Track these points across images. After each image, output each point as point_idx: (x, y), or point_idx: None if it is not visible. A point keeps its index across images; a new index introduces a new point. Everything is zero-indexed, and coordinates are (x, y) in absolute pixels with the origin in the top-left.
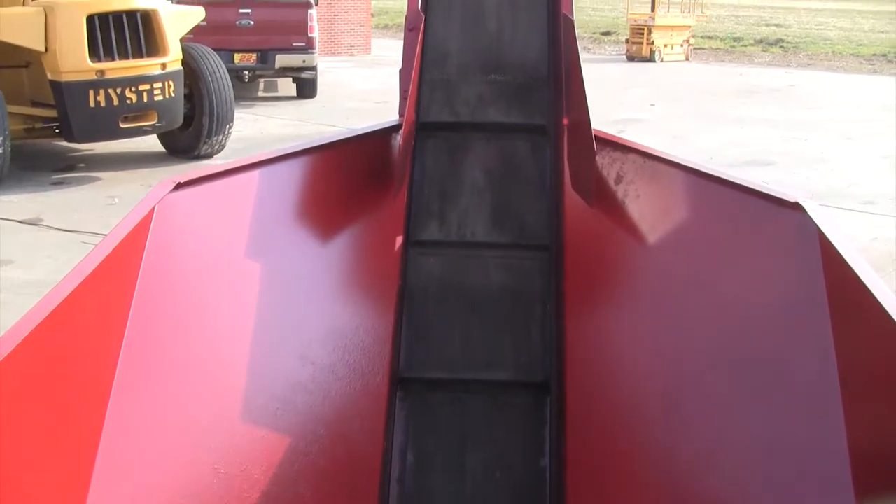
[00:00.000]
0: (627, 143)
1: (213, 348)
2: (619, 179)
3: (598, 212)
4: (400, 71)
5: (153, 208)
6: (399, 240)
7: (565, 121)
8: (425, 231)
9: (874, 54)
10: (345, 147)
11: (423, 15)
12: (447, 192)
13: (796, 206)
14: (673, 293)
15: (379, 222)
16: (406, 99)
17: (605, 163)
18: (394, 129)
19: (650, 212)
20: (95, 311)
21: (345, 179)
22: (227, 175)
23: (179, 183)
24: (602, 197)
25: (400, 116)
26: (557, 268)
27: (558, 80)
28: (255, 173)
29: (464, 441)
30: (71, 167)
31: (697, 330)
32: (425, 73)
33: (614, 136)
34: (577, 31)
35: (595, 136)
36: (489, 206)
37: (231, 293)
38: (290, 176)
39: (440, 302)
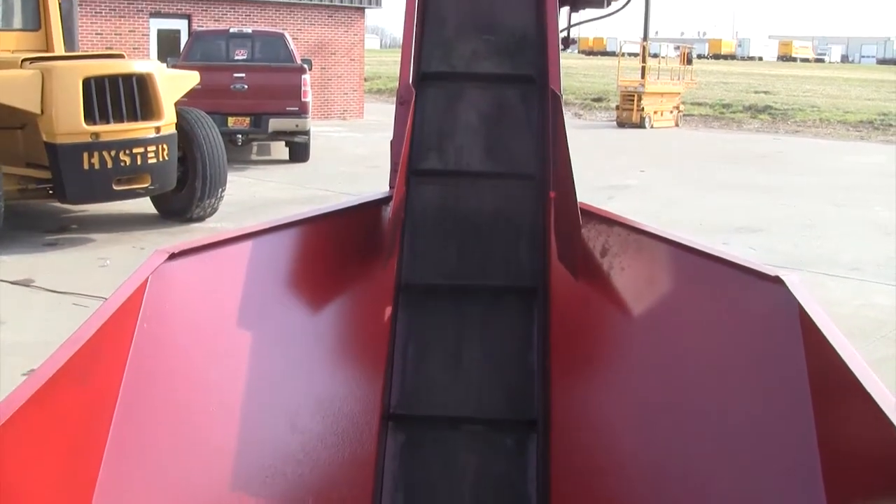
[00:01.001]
0: (612, 217)
1: (204, 417)
2: (604, 252)
3: (583, 283)
4: (391, 142)
5: (147, 279)
6: (388, 310)
7: (552, 194)
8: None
9: (861, 121)
10: (335, 219)
11: (413, 90)
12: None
13: (777, 280)
14: (657, 365)
15: (368, 293)
16: (396, 171)
17: (591, 235)
18: (384, 201)
19: (635, 284)
20: (88, 381)
21: (335, 251)
22: (220, 246)
23: (173, 253)
24: (588, 269)
25: (390, 188)
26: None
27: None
28: (247, 244)
29: (460, 340)
30: (64, 228)
31: (681, 402)
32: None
33: (600, 209)
34: (568, 98)
35: (581, 208)
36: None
37: (222, 362)
38: (281, 247)
39: (438, 222)
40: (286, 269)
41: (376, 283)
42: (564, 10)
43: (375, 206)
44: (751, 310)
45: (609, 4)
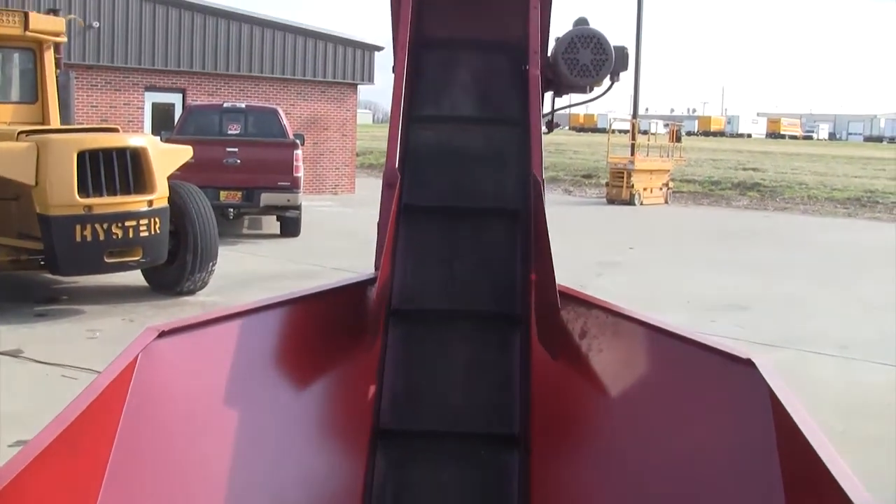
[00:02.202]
0: (591, 300)
1: (190, 493)
2: (583, 334)
3: (563, 364)
4: (378, 223)
5: (137, 356)
6: (372, 389)
7: (532, 276)
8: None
9: (848, 198)
10: (321, 300)
11: (398, 174)
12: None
13: (748, 363)
14: (633, 445)
15: (353, 373)
16: (381, 253)
17: (570, 318)
18: (369, 282)
19: (612, 366)
20: (78, 456)
21: (321, 331)
22: (209, 324)
23: (163, 331)
24: (567, 350)
25: (376, 269)
26: (525, 414)
27: None
28: (236, 323)
29: (452, 257)
30: (54, 299)
31: (656, 482)
32: None
33: (578, 292)
34: (558, 175)
35: (560, 291)
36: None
37: (209, 440)
38: (269, 327)
39: (435, 157)
40: (273, 349)
41: (361, 361)
42: (549, 94)
43: (361, 287)
44: (723, 393)
45: (592, 90)
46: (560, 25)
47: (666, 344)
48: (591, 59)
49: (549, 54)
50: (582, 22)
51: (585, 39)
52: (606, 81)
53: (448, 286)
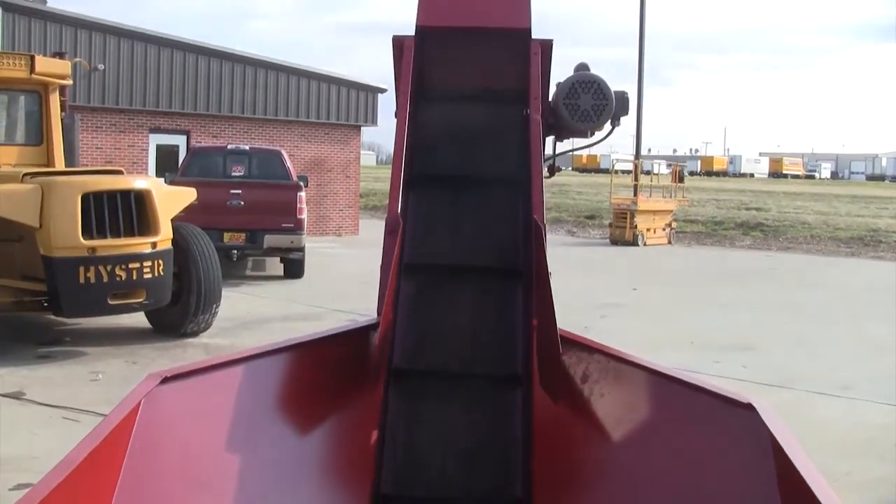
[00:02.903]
0: (592, 344)
1: None
2: (584, 378)
3: (564, 409)
4: (380, 267)
5: (139, 402)
6: (374, 433)
7: (534, 321)
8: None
9: (851, 237)
10: (323, 345)
11: (401, 221)
12: None
13: (748, 407)
14: (635, 490)
15: (355, 418)
16: (384, 299)
17: (572, 362)
18: (371, 327)
19: (614, 410)
20: (80, 502)
21: (323, 376)
22: (211, 370)
23: (166, 377)
24: (568, 395)
25: (378, 315)
26: (525, 467)
27: None
28: (239, 369)
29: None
30: (57, 341)
31: None
32: None
33: (580, 336)
34: (562, 216)
35: (561, 336)
36: None
37: (211, 486)
38: (271, 372)
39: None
40: (275, 394)
41: (363, 407)
42: (550, 139)
43: (363, 332)
44: (724, 437)
45: (593, 134)
46: (561, 71)
47: (667, 388)
48: (592, 104)
49: (550, 100)
50: (582, 67)
51: (586, 85)
52: (607, 126)
53: (451, 349)
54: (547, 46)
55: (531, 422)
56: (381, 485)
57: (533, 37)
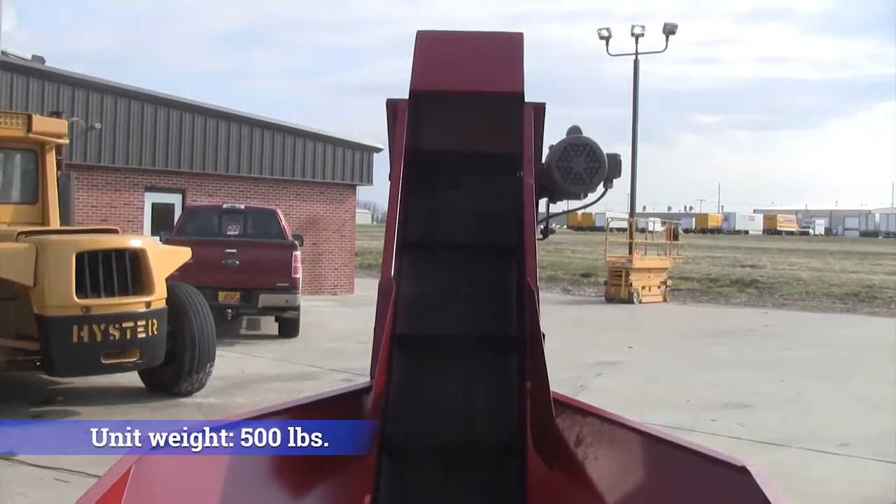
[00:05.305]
0: (586, 407)
1: None
2: (578, 442)
3: (558, 473)
4: (374, 328)
5: (130, 467)
6: (367, 499)
7: (528, 385)
8: None
9: (846, 294)
10: (317, 409)
11: (394, 283)
12: None
13: (742, 470)
14: None
15: (347, 483)
16: (377, 360)
17: (566, 426)
18: (365, 390)
19: (608, 474)
20: None
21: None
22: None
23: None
24: (562, 459)
25: (371, 378)
26: None
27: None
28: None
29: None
30: (49, 400)
31: None
32: None
33: (573, 399)
34: (557, 274)
35: (555, 398)
36: None
37: None
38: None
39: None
40: (268, 458)
41: (356, 470)
42: (543, 200)
43: (356, 395)
44: (718, 500)
45: (586, 196)
46: (554, 135)
47: (661, 451)
48: (585, 166)
49: (543, 162)
50: (575, 130)
51: (578, 148)
52: (600, 188)
53: (445, 420)
54: (540, 110)
55: (525, 489)
56: None
57: (526, 100)
